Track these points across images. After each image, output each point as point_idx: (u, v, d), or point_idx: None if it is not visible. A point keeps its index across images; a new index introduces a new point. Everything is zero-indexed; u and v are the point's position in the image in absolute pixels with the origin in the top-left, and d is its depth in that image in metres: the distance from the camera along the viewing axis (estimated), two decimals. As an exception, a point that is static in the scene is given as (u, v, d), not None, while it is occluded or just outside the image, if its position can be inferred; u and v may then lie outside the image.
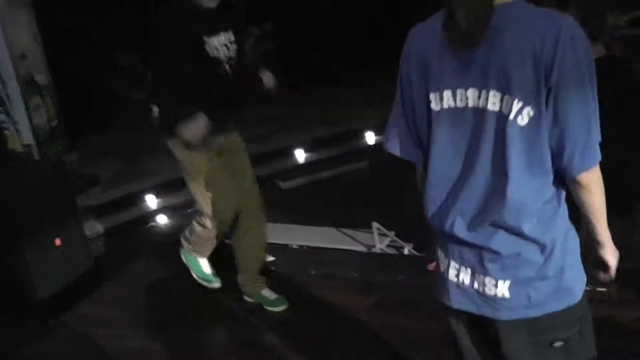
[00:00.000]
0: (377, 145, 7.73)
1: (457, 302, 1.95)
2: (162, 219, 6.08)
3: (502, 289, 1.85)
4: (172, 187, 6.49)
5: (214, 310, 4.13)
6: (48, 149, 6.62)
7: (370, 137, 7.75)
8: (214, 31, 3.45)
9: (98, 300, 4.47)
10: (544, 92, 1.71)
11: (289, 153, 7.35)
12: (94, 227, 5.71)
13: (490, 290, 1.87)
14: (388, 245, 4.67)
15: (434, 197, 1.91)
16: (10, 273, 4.49)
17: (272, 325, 3.79)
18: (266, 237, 4.05)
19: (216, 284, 4.10)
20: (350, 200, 6.37)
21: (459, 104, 1.82)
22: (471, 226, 1.85)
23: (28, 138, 6.44)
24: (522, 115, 1.72)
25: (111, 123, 8.49)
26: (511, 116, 1.73)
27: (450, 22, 1.76)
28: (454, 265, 1.92)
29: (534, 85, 1.71)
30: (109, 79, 9.59)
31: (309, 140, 7.57)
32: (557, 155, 1.76)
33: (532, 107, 1.72)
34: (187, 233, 4.11)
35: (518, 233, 1.80)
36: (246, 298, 4.05)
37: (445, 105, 1.84)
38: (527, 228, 1.79)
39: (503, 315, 1.87)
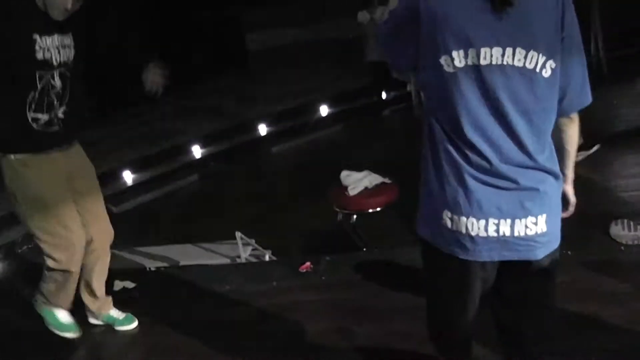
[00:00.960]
0: (205, 158, 7.68)
1: (496, 254, 2.05)
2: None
3: (541, 224, 2.03)
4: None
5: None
6: None
7: (196, 151, 7.65)
8: (48, 31, 3.14)
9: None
10: (560, 46, 1.95)
11: (116, 176, 7.05)
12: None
13: (530, 230, 2.02)
14: (250, 254, 4.61)
15: (481, 147, 1.99)
16: None
17: (157, 353, 3.60)
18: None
19: (76, 333, 3.67)
20: (191, 214, 6.26)
21: (482, 62, 1.93)
22: (520, 171, 2.01)
23: None
24: (545, 68, 1.94)
25: None
26: (537, 69, 1.93)
27: None
28: (492, 222, 2.01)
29: (554, 40, 1.94)
30: None
31: (136, 160, 7.33)
32: (561, 97, 2.02)
33: (553, 60, 1.94)
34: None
35: (539, 167, 2.02)
36: (93, 321, 3.79)
37: (473, 62, 1.93)
38: (541, 159, 2.02)
39: (540, 253, 2.06)
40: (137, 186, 7.09)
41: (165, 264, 4.67)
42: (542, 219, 2.03)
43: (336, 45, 10.41)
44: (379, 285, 3.72)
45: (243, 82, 9.57)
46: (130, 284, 4.26)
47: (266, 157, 7.71)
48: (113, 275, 3.99)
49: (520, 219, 2.01)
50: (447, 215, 2.04)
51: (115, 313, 3.76)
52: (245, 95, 8.93)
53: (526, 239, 2.03)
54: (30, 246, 5.42)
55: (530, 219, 2.02)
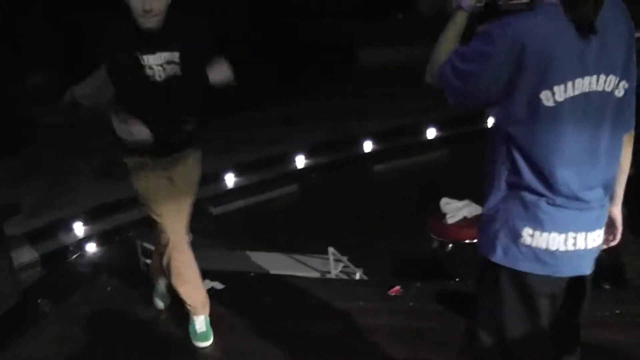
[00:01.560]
0: (307, 169, 7.70)
1: (572, 269, 2.16)
2: (90, 248, 5.79)
3: (601, 235, 2.19)
4: (99, 212, 6.24)
5: (159, 342, 3.90)
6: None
7: (299, 161, 7.68)
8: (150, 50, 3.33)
9: (33, 337, 4.14)
10: (630, 67, 2.09)
11: (219, 178, 7.17)
12: (20, 259, 5.37)
13: (595, 241, 2.16)
14: (341, 271, 4.58)
15: (567, 179, 2.06)
16: None
17: (231, 357, 3.63)
18: None
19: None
20: (286, 224, 6.28)
21: (577, 92, 2.01)
22: (593, 191, 2.12)
23: None
24: (619, 88, 2.06)
25: (28, 148, 8.12)
26: (614, 91, 2.05)
27: (575, 14, 1.95)
28: (571, 236, 2.10)
29: (628, 62, 2.07)
30: (19, 103, 9.20)
31: (239, 164, 7.43)
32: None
33: (626, 81, 2.07)
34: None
35: (609, 185, 2.18)
36: None
37: (569, 95, 2.00)
38: (611, 178, 2.18)
39: (592, 265, 2.21)
40: (237, 190, 7.19)
41: (255, 270, 4.70)
42: (601, 231, 2.18)
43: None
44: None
45: (353, 97, 9.56)
46: (219, 285, 4.32)
47: (368, 175, 7.66)
48: (204, 274, 4.06)
49: (591, 232, 2.14)
50: (527, 232, 2.09)
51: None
52: (354, 110, 8.92)
53: (593, 251, 2.16)
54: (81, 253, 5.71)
55: (597, 231, 2.16)
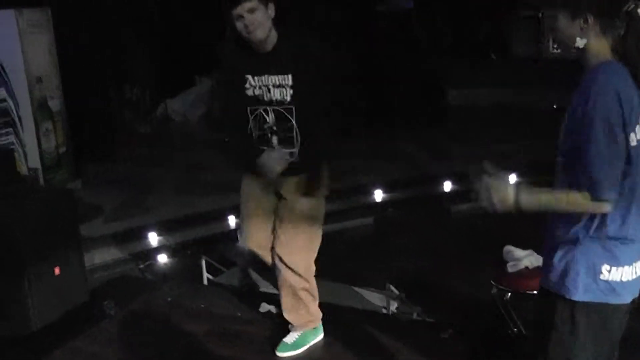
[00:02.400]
0: (384, 203, 7.66)
1: (633, 294, 2.39)
2: (162, 258, 5.92)
3: None
4: (174, 225, 6.39)
5: (213, 354, 3.96)
6: (54, 175, 6.50)
7: (378, 194, 7.65)
8: (259, 72, 3.46)
9: (92, 337, 4.27)
10: None
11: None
12: (93, 259, 5.55)
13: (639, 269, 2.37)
14: (397, 308, 4.52)
15: (636, 220, 2.32)
16: (5, 300, 4.33)
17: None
18: None
19: None
20: (355, 256, 6.24)
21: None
22: None
23: (35, 162, 6.33)
24: None
25: (116, 154, 8.44)
26: None
27: (636, 72, 2.25)
28: (635, 266, 2.34)
29: None
30: (116, 110, 9.59)
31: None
32: None
33: None
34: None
35: None
36: None
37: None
38: None
39: None
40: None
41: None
42: None
43: (538, 113, 10.10)
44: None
45: (438, 136, 9.50)
46: (275, 309, 4.33)
47: (443, 214, 7.55)
48: (262, 296, 4.08)
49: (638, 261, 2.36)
50: (605, 269, 2.31)
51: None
52: (438, 149, 8.86)
53: None
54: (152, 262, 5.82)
55: None
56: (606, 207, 2.24)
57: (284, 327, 3.98)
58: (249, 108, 3.53)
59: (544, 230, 2.49)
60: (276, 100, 3.47)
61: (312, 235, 3.86)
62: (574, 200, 2.25)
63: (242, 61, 3.48)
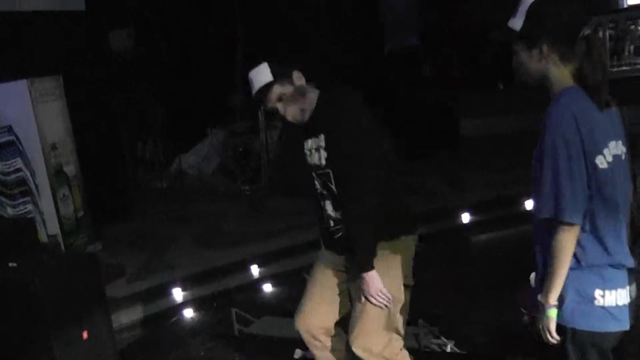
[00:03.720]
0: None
1: (623, 323, 2.37)
2: (188, 313, 5.90)
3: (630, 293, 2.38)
4: (197, 279, 6.38)
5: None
6: (73, 240, 6.53)
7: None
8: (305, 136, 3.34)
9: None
10: None
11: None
12: (120, 320, 5.54)
13: (628, 297, 2.36)
14: (432, 342, 4.47)
15: (616, 243, 2.33)
16: (36, 368, 4.32)
17: None
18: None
19: None
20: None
21: (616, 153, 2.32)
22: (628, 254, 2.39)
23: (54, 228, 6.36)
24: (626, 154, 2.36)
25: (134, 213, 8.48)
26: (623, 157, 2.34)
27: (596, 96, 2.28)
28: (628, 288, 2.35)
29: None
30: (130, 169, 9.66)
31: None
32: None
33: (625, 147, 2.35)
34: None
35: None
36: None
37: (610, 158, 2.28)
38: None
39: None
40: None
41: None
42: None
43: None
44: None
45: (451, 166, 9.49)
46: (309, 354, 4.29)
47: (465, 245, 7.50)
48: (296, 343, 4.05)
49: (632, 285, 2.37)
50: (599, 294, 2.30)
51: None
52: (452, 179, 8.84)
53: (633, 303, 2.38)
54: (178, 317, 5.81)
55: (634, 285, 2.38)
56: (575, 230, 2.25)
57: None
58: (303, 170, 3.38)
59: (533, 267, 2.54)
60: (314, 165, 3.29)
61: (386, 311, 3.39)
62: (556, 244, 2.28)
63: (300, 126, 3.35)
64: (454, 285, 6.00)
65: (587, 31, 2.28)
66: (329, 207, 3.28)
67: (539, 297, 2.40)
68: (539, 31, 2.30)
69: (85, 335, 4.51)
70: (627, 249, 2.38)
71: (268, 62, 3.26)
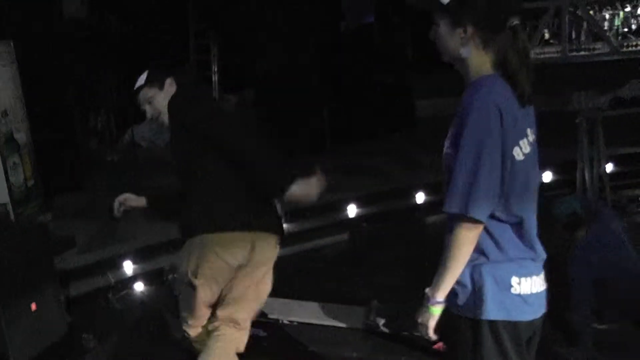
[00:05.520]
0: (358, 218, 7.65)
1: (538, 310, 2.32)
2: (138, 286, 5.84)
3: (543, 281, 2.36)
4: (149, 253, 6.31)
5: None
6: (23, 209, 6.37)
7: (351, 210, 7.65)
8: None
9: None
10: None
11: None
12: (68, 292, 5.45)
13: (542, 285, 2.34)
14: (384, 324, 4.50)
15: (531, 234, 2.30)
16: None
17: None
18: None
19: None
20: (334, 273, 6.22)
21: (531, 141, 2.29)
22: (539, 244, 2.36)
23: (3, 197, 6.18)
24: (534, 140, 2.31)
25: (85, 184, 8.32)
26: (534, 145, 2.30)
27: (519, 87, 2.22)
28: (533, 280, 2.28)
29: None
30: (82, 140, 9.47)
31: (290, 210, 7.44)
32: None
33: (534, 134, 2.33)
34: None
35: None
36: None
37: (526, 150, 2.23)
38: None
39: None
40: (287, 236, 7.16)
41: (299, 319, 4.66)
42: (543, 276, 2.36)
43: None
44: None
45: (408, 147, 9.56)
46: (262, 332, 4.30)
47: (419, 226, 7.57)
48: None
49: (539, 276, 2.33)
50: (515, 281, 2.24)
51: None
52: (409, 161, 8.90)
53: (543, 293, 2.34)
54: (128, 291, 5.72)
55: (542, 275, 2.35)
56: (478, 229, 2.18)
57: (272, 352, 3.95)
58: None
59: None
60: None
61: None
62: (456, 240, 2.19)
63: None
64: (405, 266, 6.05)
65: (515, 21, 2.20)
66: None
67: (427, 290, 2.28)
68: (468, 11, 2.19)
69: (34, 306, 4.45)
70: (538, 240, 2.33)
71: (149, 70, 3.48)
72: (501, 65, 2.21)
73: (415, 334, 4.43)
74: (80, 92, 9.54)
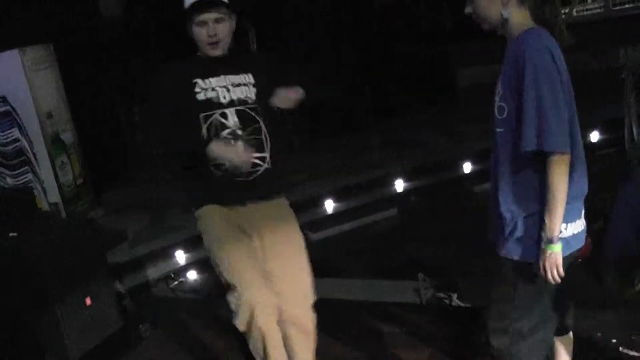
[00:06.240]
0: (406, 193, 7.61)
1: (576, 246, 2.47)
2: (191, 275, 5.93)
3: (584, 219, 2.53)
4: (200, 241, 6.38)
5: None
6: (74, 207, 6.53)
7: (399, 185, 7.61)
8: (212, 73, 3.17)
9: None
10: None
11: (318, 203, 7.21)
12: (123, 285, 5.56)
13: (583, 224, 2.51)
14: (433, 296, 4.48)
15: (581, 173, 2.41)
16: (40, 335, 4.36)
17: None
18: None
19: None
20: (383, 249, 6.20)
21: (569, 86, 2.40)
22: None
23: (54, 196, 6.36)
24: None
25: (134, 177, 8.47)
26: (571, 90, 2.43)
27: (561, 35, 2.39)
28: (576, 224, 2.45)
29: None
30: (127, 134, 9.62)
31: (337, 189, 7.44)
32: None
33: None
34: None
35: None
36: None
37: (572, 92, 2.39)
38: None
39: None
40: (336, 215, 7.19)
41: (348, 297, 4.67)
42: None
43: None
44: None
45: (451, 118, 9.44)
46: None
47: (467, 196, 7.48)
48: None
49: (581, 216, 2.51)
50: (563, 227, 2.36)
51: None
52: (452, 132, 8.80)
53: None
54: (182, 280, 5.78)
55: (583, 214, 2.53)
56: (567, 159, 2.28)
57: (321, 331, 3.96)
58: (201, 115, 3.10)
59: (493, 208, 2.51)
60: (238, 99, 3.14)
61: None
62: (552, 176, 2.28)
63: (186, 66, 3.22)
64: (455, 238, 5.99)
65: None
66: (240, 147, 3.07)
67: (542, 234, 2.33)
68: None
69: (88, 301, 4.55)
70: (586, 177, 2.45)
71: None
72: (538, 18, 2.37)
73: (464, 304, 4.44)
74: (123, 87, 9.68)
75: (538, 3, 2.37)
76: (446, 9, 11.19)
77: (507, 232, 2.42)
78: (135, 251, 6.11)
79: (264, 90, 3.18)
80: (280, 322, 3.20)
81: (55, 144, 6.49)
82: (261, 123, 3.17)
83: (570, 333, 2.79)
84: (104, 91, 8.29)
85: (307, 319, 3.30)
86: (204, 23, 3.09)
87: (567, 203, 2.33)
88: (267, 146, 3.18)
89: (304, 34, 9.52)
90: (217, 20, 3.10)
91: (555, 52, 2.28)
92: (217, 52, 3.16)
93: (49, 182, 6.42)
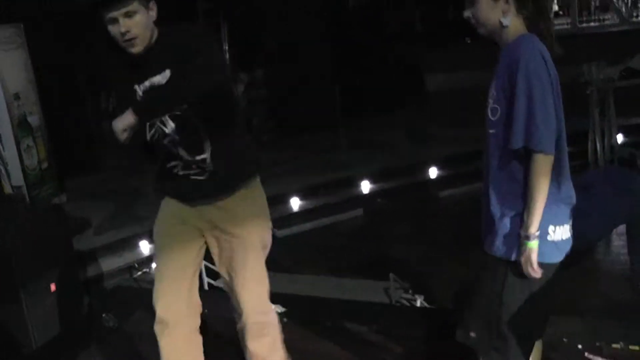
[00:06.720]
0: (372, 194, 7.66)
1: (565, 252, 2.50)
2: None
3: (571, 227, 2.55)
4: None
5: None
6: (38, 192, 6.42)
7: (365, 186, 7.65)
8: (143, 77, 2.87)
9: (94, 351, 4.23)
10: None
11: (284, 200, 7.20)
12: (86, 273, 5.49)
13: (571, 231, 2.53)
14: (402, 297, 4.53)
15: (565, 179, 2.46)
16: (4, 320, 4.29)
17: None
18: None
19: None
20: (350, 248, 6.24)
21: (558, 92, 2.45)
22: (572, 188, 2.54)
23: (18, 180, 6.23)
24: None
25: (98, 165, 8.36)
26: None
27: (553, 43, 2.47)
28: (565, 228, 2.48)
29: None
30: (94, 121, 9.49)
31: (304, 187, 7.46)
32: None
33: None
34: None
35: None
36: None
37: (558, 97, 2.42)
38: None
39: None
40: (302, 213, 7.21)
41: (316, 294, 4.68)
42: None
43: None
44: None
45: (419, 122, 9.53)
46: (280, 308, 4.31)
47: (433, 201, 7.56)
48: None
49: (569, 223, 2.54)
50: (551, 229, 2.42)
51: None
52: (420, 135, 8.89)
53: None
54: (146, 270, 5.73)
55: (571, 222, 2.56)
56: (550, 159, 2.33)
57: (291, 327, 3.97)
58: (147, 124, 2.90)
59: (485, 207, 2.57)
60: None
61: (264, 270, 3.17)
62: (534, 174, 2.33)
63: (123, 71, 2.91)
64: (421, 240, 6.06)
65: None
66: (182, 152, 2.93)
67: (521, 231, 2.40)
68: None
69: (53, 287, 4.48)
70: (572, 184, 2.50)
71: None
72: (531, 25, 2.45)
73: (431, 306, 4.50)
74: (92, 74, 9.54)
75: (533, 14, 2.45)
76: (418, 12, 11.31)
77: (496, 230, 2.49)
78: (99, 239, 6.04)
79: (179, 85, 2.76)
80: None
81: (21, 126, 6.36)
82: (198, 124, 2.90)
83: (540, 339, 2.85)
84: (73, 75, 8.15)
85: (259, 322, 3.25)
86: (114, 20, 2.74)
87: (555, 205, 2.40)
88: (207, 147, 2.93)
89: (276, 31, 9.51)
90: (127, 15, 2.73)
91: (547, 58, 2.37)
92: (136, 49, 2.80)
93: (13, 165, 6.28)
